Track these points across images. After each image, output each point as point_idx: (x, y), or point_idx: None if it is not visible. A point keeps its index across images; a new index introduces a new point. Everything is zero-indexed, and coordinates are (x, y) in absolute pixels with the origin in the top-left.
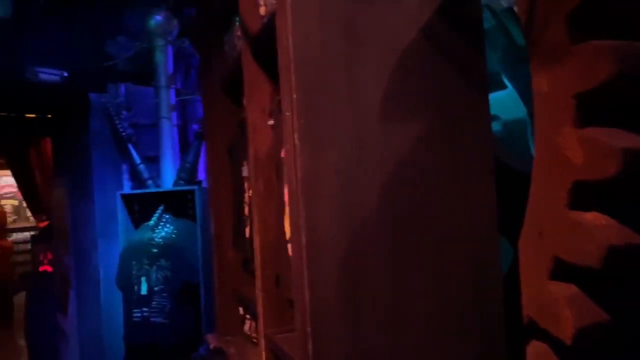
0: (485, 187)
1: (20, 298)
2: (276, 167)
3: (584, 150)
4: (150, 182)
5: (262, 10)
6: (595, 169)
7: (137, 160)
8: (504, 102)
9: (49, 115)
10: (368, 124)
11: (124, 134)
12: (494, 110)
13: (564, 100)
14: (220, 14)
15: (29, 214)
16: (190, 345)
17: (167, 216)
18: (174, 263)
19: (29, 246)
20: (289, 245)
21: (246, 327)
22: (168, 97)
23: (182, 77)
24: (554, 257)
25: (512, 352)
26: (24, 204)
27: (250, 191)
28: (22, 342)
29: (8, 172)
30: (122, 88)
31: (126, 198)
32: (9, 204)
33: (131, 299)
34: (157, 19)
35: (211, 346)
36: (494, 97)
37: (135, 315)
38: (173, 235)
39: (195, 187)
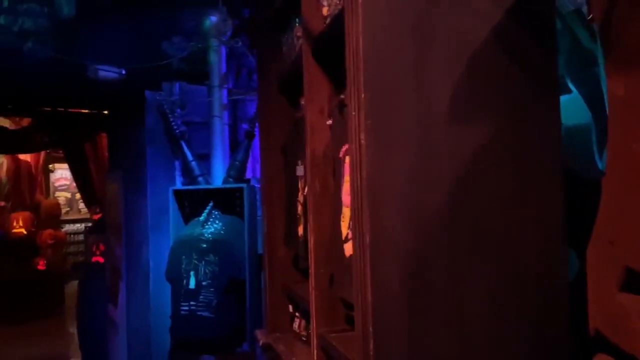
0: (553, 193)
1: (70, 287)
2: (332, 167)
3: None
4: (201, 178)
5: (325, 11)
6: None
7: (190, 157)
8: (568, 107)
9: (106, 112)
10: (435, 125)
11: (177, 131)
12: None
13: None
14: (279, 14)
15: (80, 206)
16: (234, 340)
17: (216, 212)
18: (221, 259)
19: (80, 237)
20: (345, 245)
21: (295, 325)
22: (220, 97)
23: (233, 76)
24: (625, 267)
25: None
26: (76, 197)
27: (305, 190)
28: (72, 330)
29: (63, 165)
30: (177, 87)
31: (178, 194)
32: (62, 196)
33: (179, 293)
34: (212, 19)
35: (260, 342)
36: None
37: (182, 308)
38: (221, 232)
39: (243, 185)
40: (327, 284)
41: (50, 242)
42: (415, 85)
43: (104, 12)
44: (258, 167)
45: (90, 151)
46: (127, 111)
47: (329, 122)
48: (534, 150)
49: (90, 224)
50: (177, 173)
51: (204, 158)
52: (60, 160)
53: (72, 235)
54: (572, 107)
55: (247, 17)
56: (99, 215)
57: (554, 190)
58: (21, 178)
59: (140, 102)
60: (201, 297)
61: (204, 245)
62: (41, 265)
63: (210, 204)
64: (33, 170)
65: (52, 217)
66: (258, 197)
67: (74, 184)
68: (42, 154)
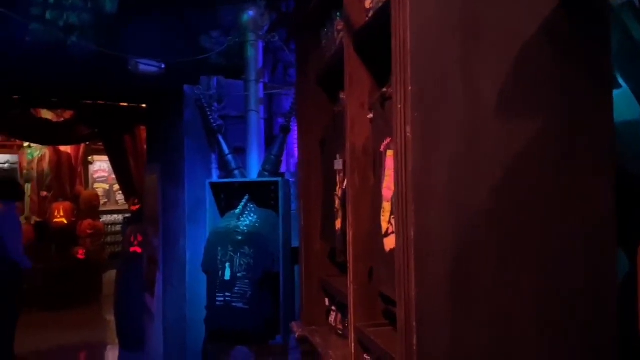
0: (603, 191)
1: (108, 276)
2: (373, 161)
3: None
4: (237, 172)
5: (368, 4)
6: None
7: (226, 150)
8: (617, 102)
9: (144, 105)
10: (483, 119)
11: (214, 125)
12: None
13: None
14: (319, 8)
15: (118, 197)
16: (268, 332)
17: (252, 205)
18: (256, 251)
19: (117, 228)
20: (385, 240)
21: (331, 318)
22: (257, 91)
23: (269, 71)
24: None
25: None
26: (114, 188)
27: (344, 184)
28: (110, 318)
29: (101, 157)
30: (214, 81)
31: (214, 186)
32: (100, 188)
33: (215, 284)
34: (249, 14)
35: (296, 334)
36: None
37: (218, 299)
38: (256, 225)
39: (278, 179)
40: (366, 278)
41: (89, 231)
42: (462, 79)
43: (144, 7)
44: (292, 161)
45: (130, 143)
46: (166, 104)
47: (370, 115)
48: (585, 147)
49: (126, 215)
50: (214, 166)
51: (240, 151)
52: (99, 153)
53: (109, 226)
54: (621, 102)
55: (285, 12)
56: (137, 207)
57: (604, 188)
58: (62, 169)
59: (179, 96)
60: (236, 288)
61: (240, 238)
62: (81, 254)
63: (246, 197)
64: (73, 162)
65: (91, 207)
66: (293, 191)
67: (112, 176)
68: (82, 146)
